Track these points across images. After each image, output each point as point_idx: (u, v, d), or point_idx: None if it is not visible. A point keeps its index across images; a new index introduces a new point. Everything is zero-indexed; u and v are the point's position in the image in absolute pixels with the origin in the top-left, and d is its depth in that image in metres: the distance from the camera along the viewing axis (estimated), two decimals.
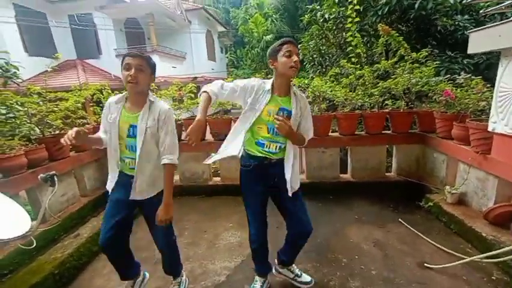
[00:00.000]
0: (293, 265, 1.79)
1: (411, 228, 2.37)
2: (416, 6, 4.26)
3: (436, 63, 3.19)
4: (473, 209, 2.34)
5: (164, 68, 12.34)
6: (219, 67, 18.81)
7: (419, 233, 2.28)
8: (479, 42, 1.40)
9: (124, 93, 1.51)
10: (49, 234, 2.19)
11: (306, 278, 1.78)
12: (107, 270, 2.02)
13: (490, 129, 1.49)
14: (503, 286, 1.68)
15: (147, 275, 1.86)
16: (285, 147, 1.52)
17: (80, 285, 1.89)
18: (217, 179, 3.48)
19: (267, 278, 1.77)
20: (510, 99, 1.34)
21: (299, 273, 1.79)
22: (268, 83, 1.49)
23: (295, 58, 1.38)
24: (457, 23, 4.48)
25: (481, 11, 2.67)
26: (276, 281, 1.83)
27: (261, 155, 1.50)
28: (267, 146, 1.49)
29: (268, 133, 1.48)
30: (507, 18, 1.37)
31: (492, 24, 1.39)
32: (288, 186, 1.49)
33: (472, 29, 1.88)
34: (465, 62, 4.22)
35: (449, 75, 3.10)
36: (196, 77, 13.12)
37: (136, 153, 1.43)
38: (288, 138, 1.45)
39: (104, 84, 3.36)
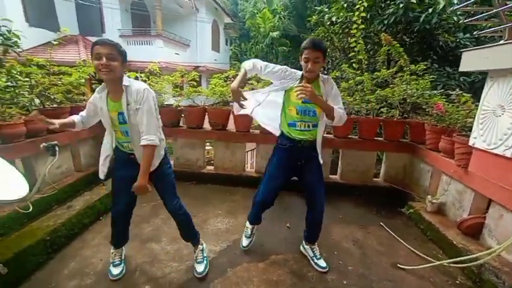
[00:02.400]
0: (316, 246, 2.03)
1: (391, 232, 2.50)
2: (421, 19, 4.36)
3: (433, 77, 3.30)
4: (449, 218, 2.47)
5: (167, 54, 12.25)
6: (222, 58, 18.69)
7: (397, 237, 2.41)
8: (469, 61, 1.49)
9: (102, 84, 1.51)
10: (42, 204, 2.24)
11: (322, 263, 1.96)
12: (95, 242, 2.10)
13: (470, 143, 1.59)
14: None
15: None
16: (315, 125, 1.74)
17: (70, 253, 1.96)
18: (211, 167, 3.56)
19: (255, 226, 2.14)
20: (490, 117, 1.45)
21: (318, 255, 1.99)
22: (299, 73, 1.72)
23: (309, 65, 1.57)
24: (458, 40, 4.61)
25: (474, 33, 2.77)
26: (295, 259, 2.06)
27: (294, 137, 1.74)
28: (298, 126, 1.71)
29: (297, 114, 1.69)
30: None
31: (482, 46, 1.49)
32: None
33: (472, 47, 1.97)
34: (461, 79, 4.36)
35: (442, 90, 3.21)
36: (198, 66, 13.05)
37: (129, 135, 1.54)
38: (314, 102, 1.59)
39: None
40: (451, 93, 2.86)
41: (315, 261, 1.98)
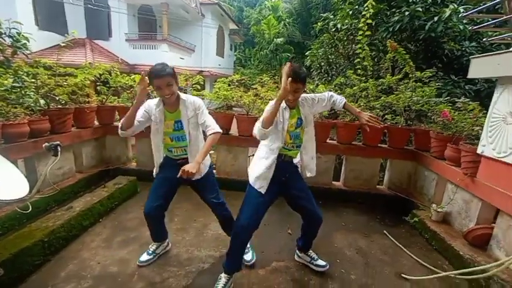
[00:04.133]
0: (310, 250, 2.02)
1: (394, 241, 2.44)
2: (427, 27, 4.36)
3: (438, 85, 3.27)
4: (455, 228, 2.41)
5: (172, 58, 12.39)
6: (226, 64, 18.87)
7: (401, 246, 2.35)
8: (479, 68, 1.47)
9: (158, 98, 1.76)
10: (41, 204, 2.23)
11: (321, 262, 1.97)
12: (94, 245, 2.07)
13: (478, 151, 1.56)
14: None
15: (170, 244, 2.14)
16: (298, 146, 1.80)
17: (68, 255, 1.93)
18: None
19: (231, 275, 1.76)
20: (500, 124, 1.41)
21: (315, 257, 2.00)
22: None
23: (289, 96, 1.59)
24: (464, 48, 4.59)
25: (483, 39, 2.75)
26: (296, 266, 2.03)
27: (280, 152, 1.72)
28: (287, 145, 1.75)
29: (290, 139, 1.74)
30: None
31: (493, 53, 1.46)
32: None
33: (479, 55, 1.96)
34: (467, 88, 4.32)
35: (448, 98, 3.18)
36: (202, 71, 13.16)
37: (185, 142, 1.79)
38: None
39: (114, 65, 3.40)
40: (456, 101, 2.82)
41: (315, 263, 1.97)
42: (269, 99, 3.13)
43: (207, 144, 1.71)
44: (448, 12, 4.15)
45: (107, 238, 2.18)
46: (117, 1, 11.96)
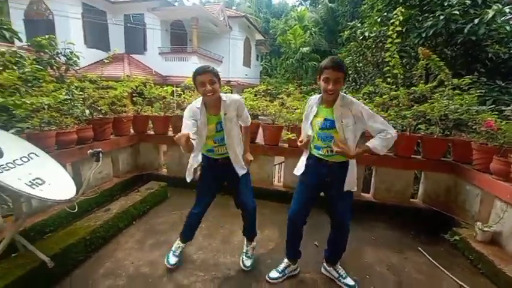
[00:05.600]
0: (339, 266, 1.94)
1: (432, 260, 2.25)
2: (466, 30, 4.07)
3: (480, 92, 3.01)
4: (506, 251, 2.15)
5: None
6: (252, 73, 19.29)
7: (440, 266, 2.16)
8: None
9: (199, 99, 1.76)
10: (84, 205, 2.45)
11: (349, 281, 1.86)
12: (128, 246, 2.21)
13: None
14: None
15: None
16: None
17: (105, 254, 2.09)
18: None
19: (293, 263, 1.95)
20: None
21: (343, 274, 1.90)
22: (317, 96, 1.76)
23: (330, 86, 1.52)
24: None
25: None
26: (322, 279, 1.98)
27: (318, 155, 1.74)
28: (323, 151, 1.71)
29: (319, 140, 1.70)
30: None
31: None
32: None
33: None
34: None
35: (493, 106, 2.91)
36: (230, 81, 13.59)
37: (225, 140, 1.80)
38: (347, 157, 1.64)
39: (149, 78, 3.69)
40: (504, 109, 2.58)
41: (342, 280, 1.87)
42: (295, 109, 3.14)
43: (247, 137, 2.01)
44: (491, 13, 3.85)
45: (139, 240, 2.32)
46: (152, 18, 12.98)
